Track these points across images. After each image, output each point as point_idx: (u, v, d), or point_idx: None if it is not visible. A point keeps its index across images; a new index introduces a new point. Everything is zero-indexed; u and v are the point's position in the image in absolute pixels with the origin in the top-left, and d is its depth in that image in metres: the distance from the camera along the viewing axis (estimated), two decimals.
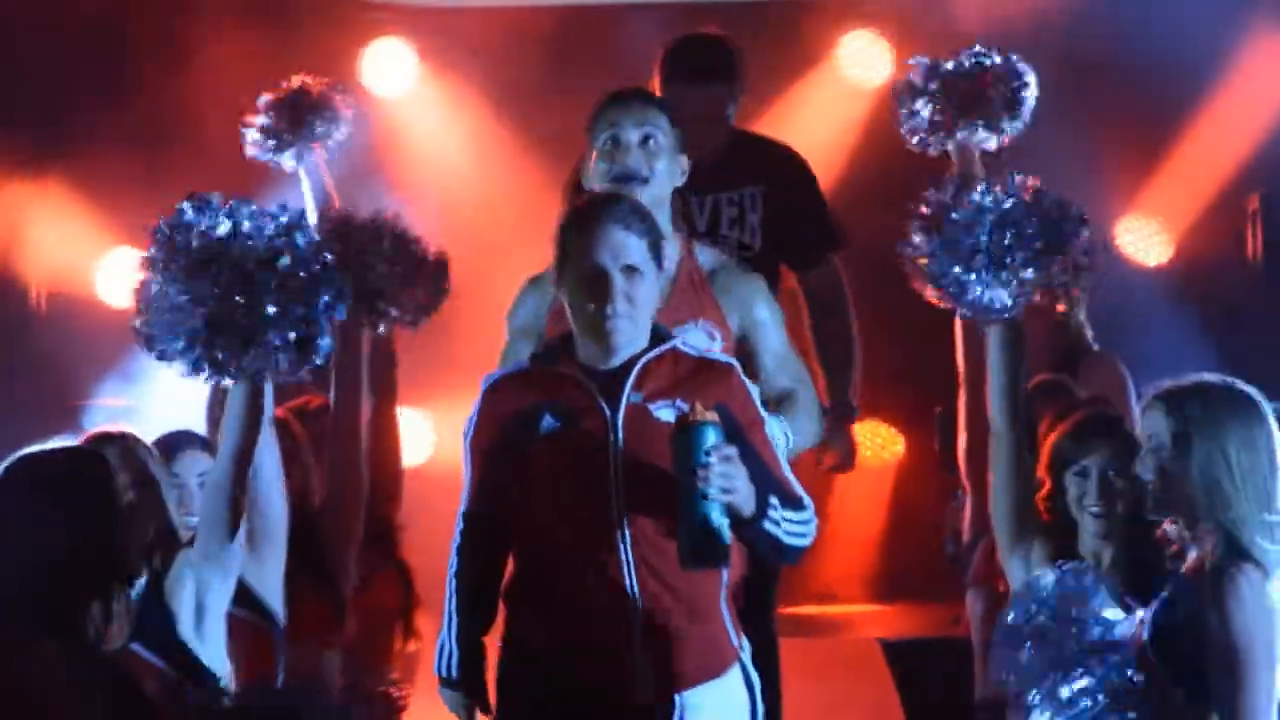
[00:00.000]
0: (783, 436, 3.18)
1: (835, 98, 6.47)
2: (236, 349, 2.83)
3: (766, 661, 3.47)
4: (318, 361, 2.95)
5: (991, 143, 3.84)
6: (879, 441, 5.74)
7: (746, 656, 2.89)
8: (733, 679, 2.83)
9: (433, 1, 6.37)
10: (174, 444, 3.11)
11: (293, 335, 2.82)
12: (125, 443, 2.82)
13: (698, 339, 3.17)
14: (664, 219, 3.22)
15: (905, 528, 5.70)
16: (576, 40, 6.31)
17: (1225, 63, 6.43)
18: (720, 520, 2.60)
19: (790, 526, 2.77)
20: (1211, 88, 6.50)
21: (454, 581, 2.87)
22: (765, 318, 3.38)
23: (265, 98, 4.22)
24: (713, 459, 2.57)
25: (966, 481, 3.84)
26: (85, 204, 6.04)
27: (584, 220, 2.83)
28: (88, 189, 6.02)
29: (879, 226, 3.75)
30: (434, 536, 3.34)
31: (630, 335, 2.75)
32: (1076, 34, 6.37)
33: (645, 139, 3.32)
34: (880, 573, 6.02)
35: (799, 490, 2.81)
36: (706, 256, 3.45)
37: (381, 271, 3.70)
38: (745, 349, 3.30)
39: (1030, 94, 3.91)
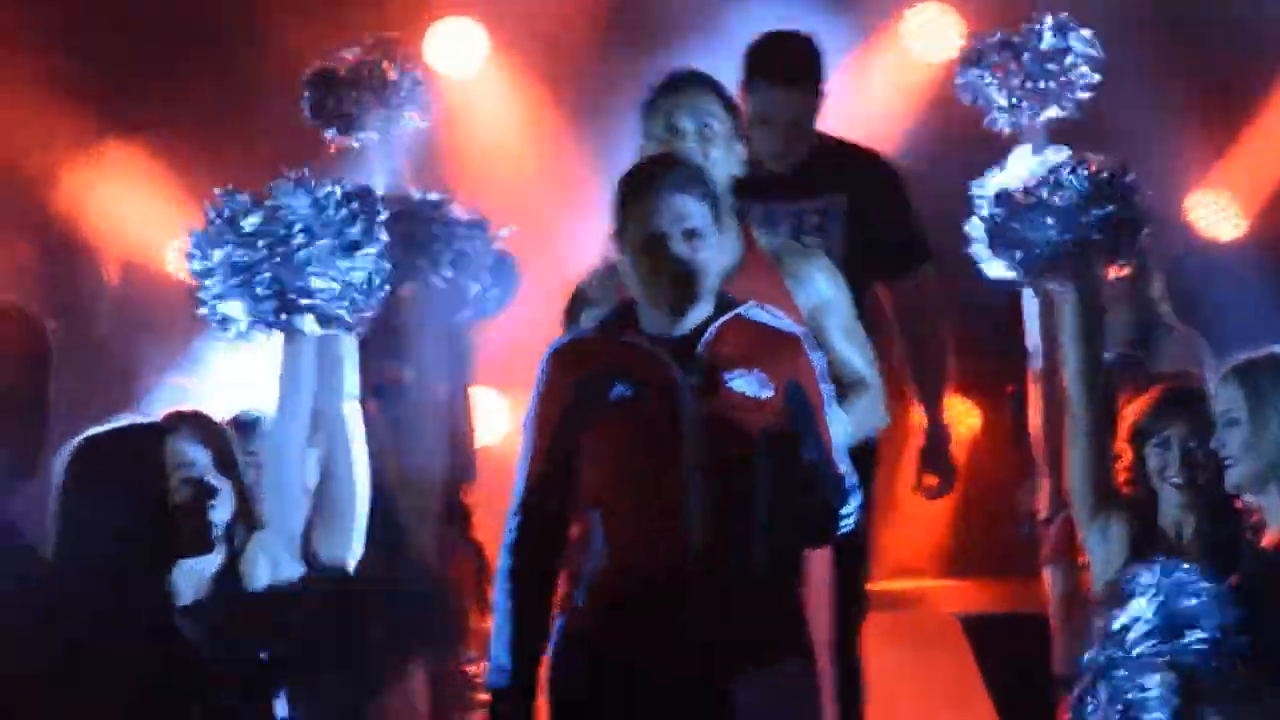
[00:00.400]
0: (844, 431, 3.14)
1: (899, 70, 6.27)
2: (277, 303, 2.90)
3: (849, 686, 3.61)
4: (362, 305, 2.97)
5: (1055, 112, 3.86)
6: (955, 415, 5.65)
7: (813, 639, 2.91)
8: (793, 668, 2.82)
9: None
10: (249, 423, 3.12)
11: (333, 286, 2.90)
12: (200, 421, 2.83)
13: (773, 319, 3.07)
14: (724, 207, 3.21)
15: (981, 502, 5.66)
16: (638, 19, 6.20)
17: None
18: (799, 531, 2.70)
19: (845, 521, 2.81)
20: None
21: (509, 583, 2.84)
22: (830, 295, 3.35)
23: (333, 67, 4.24)
24: (799, 470, 2.61)
25: (1042, 459, 3.87)
26: (161, 180, 6.07)
27: (642, 185, 2.82)
28: (164, 165, 6.04)
29: (945, 200, 3.69)
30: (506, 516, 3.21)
31: (695, 301, 2.73)
32: (1153, 5, 6.22)
33: (702, 127, 3.29)
34: (956, 547, 6.05)
35: (848, 474, 2.81)
36: (767, 240, 3.42)
37: (464, 252, 3.76)
38: (815, 328, 3.23)
39: (1094, 67, 3.91)
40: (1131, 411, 3.18)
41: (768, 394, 2.70)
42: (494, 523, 3.65)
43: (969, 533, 5.98)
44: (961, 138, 4.62)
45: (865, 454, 3.38)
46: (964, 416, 5.59)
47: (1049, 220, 3.13)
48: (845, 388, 3.20)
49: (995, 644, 4.88)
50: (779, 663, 2.77)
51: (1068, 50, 3.93)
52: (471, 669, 3.86)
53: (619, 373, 2.77)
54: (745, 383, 2.72)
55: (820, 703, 2.97)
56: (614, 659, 2.73)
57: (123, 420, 2.80)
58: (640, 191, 2.82)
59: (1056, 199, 3.13)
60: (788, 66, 4.06)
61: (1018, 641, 4.50)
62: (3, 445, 2.81)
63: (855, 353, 3.30)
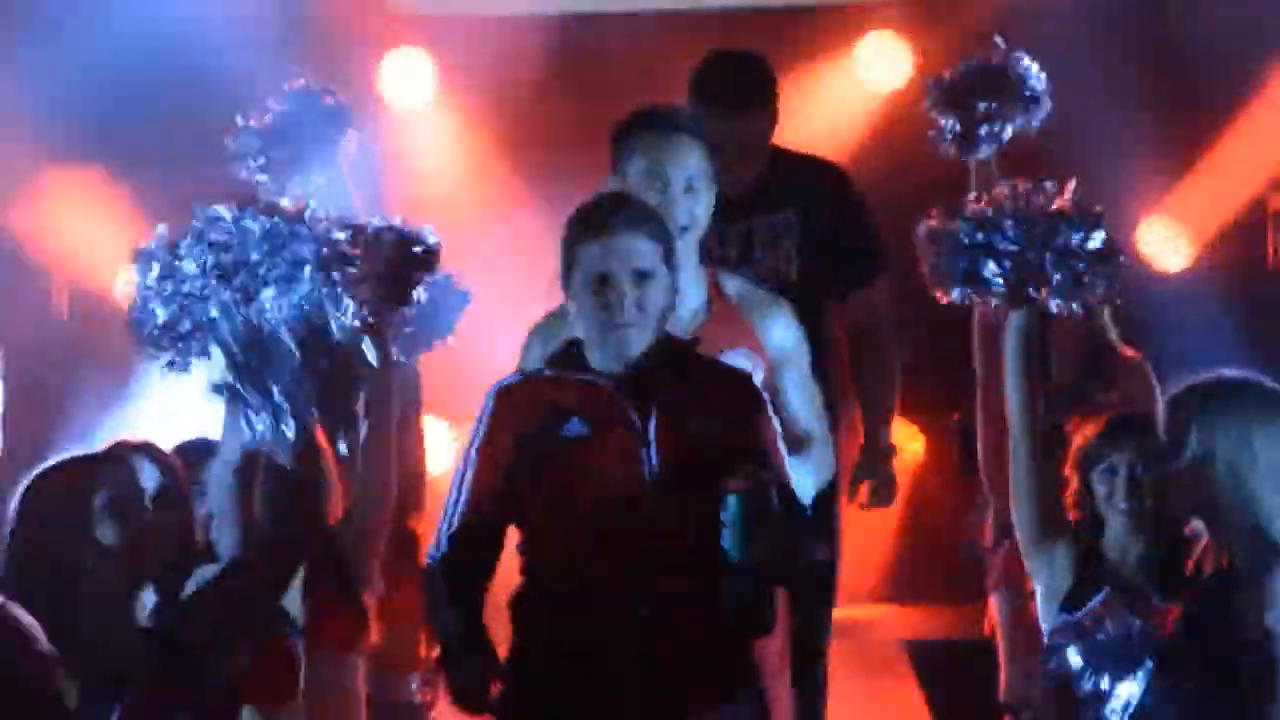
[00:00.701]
0: (804, 482, 3.23)
1: (851, 100, 6.39)
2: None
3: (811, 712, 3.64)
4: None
5: (1008, 133, 3.92)
6: (900, 440, 5.71)
7: (762, 683, 2.93)
8: (745, 712, 2.82)
9: (452, 10, 6.38)
10: (195, 451, 2.99)
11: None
12: (151, 453, 2.74)
13: (741, 361, 3.16)
14: (694, 254, 3.28)
15: (927, 527, 5.74)
16: (594, 51, 6.30)
17: (1257, 70, 6.43)
18: (770, 590, 2.65)
19: (809, 551, 2.84)
20: (1243, 92, 6.49)
21: (449, 611, 2.83)
22: (789, 347, 3.35)
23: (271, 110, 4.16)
24: (773, 533, 2.57)
25: (987, 485, 3.91)
26: (117, 203, 6.04)
27: (590, 224, 2.80)
28: (122, 188, 6.03)
29: (897, 226, 3.63)
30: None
31: (643, 344, 2.72)
32: (1104, 33, 6.30)
33: (691, 181, 3.27)
34: (899, 573, 6.09)
35: (802, 502, 2.86)
36: (732, 285, 3.40)
37: (409, 281, 3.67)
38: (769, 379, 3.27)
39: (1043, 95, 3.97)
40: (1079, 438, 3.20)
41: (722, 433, 2.69)
42: None
43: (914, 558, 6.03)
44: (909, 165, 4.73)
45: (827, 493, 3.43)
46: (908, 442, 5.64)
47: (1028, 235, 3.14)
48: (795, 443, 3.21)
49: (941, 671, 4.94)
50: (732, 700, 2.77)
51: (1023, 80, 3.99)
52: (419, 698, 3.94)
53: (575, 411, 2.75)
54: (700, 422, 2.71)
55: None
56: (563, 691, 2.73)
57: (72, 452, 2.70)
58: (589, 230, 2.80)
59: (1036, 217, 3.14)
60: (739, 90, 4.02)
61: (963, 668, 4.56)
62: None
63: (806, 407, 3.32)
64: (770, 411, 2.85)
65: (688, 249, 3.18)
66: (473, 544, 2.79)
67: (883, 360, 4.25)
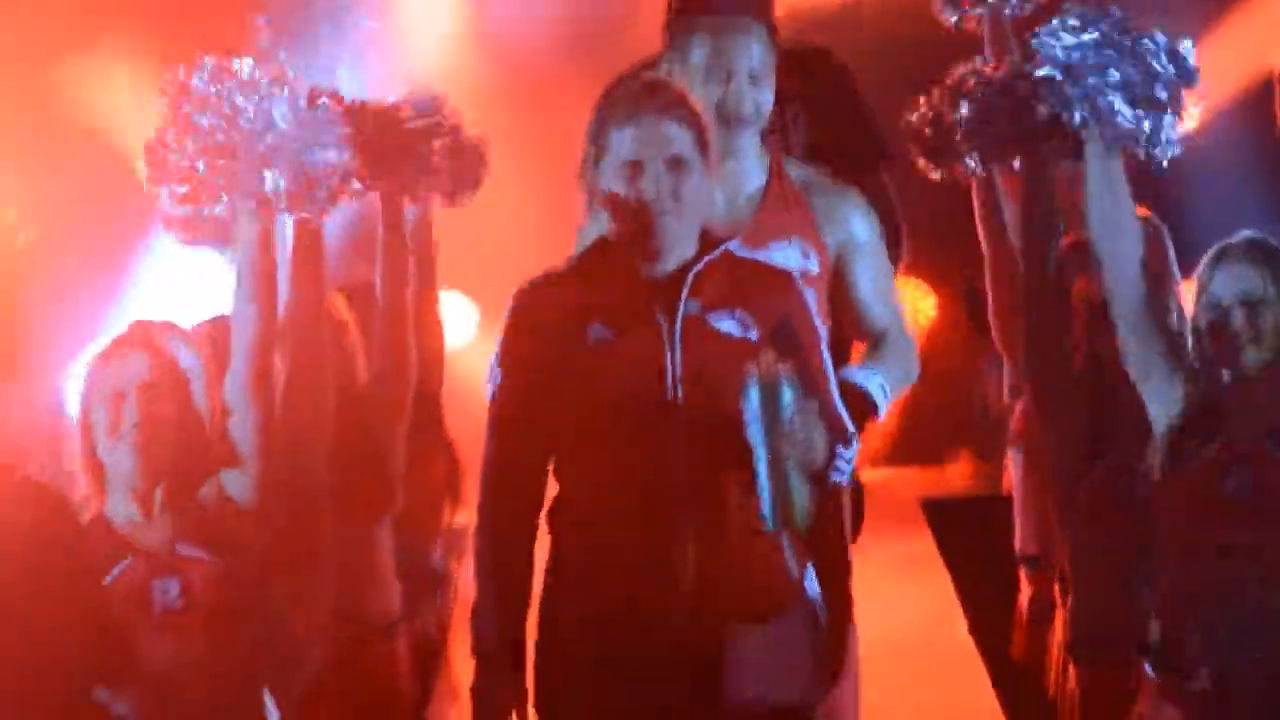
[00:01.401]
0: (881, 396, 3.11)
1: None
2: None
3: (839, 589, 3.33)
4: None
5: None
6: (908, 299, 5.69)
7: (813, 589, 2.79)
8: (792, 619, 2.72)
9: None
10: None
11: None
12: (175, 331, 2.84)
13: (791, 258, 3.04)
14: (756, 144, 3.23)
15: (937, 386, 5.68)
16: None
17: None
18: (801, 484, 2.55)
19: (844, 465, 2.72)
20: None
21: (486, 554, 2.76)
22: (863, 237, 3.26)
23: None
24: (796, 424, 2.49)
25: (999, 342, 3.92)
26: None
27: (622, 109, 2.69)
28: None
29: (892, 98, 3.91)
30: (476, 415, 3.09)
31: (677, 237, 2.62)
32: None
33: (753, 75, 3.16)
34: (913, 434, 6.13)
35: (847, 420, 2.74)
36: (798, 171, 3.30)
37: (422, 151, 3.67)
38: (840, 269, 3.22)
39: None
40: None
41: (756, 335, 2.61)
42: (462, 422, 3.87)
43: (926, 419, 6.03)
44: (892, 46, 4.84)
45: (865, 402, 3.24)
46: (920, 300, 5.72)
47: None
48: (871, 337, 3.22)
49: (956, 527, 4.99)
50: (778, 612, 2.70)
51: None
52: (444, 565, 4.03)
53: (596, 314, 2.65)
54: (732, 324, 2.63)
55: (819, 648, 2.84)
56: (598, 620, 2.67)
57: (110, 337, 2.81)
58: (620, 115, 2.69)
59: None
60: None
61: (978, 524, 4.61)
62: None
63: (882, 300, 3.27)
64: (814, 313, 2.76)
65: (750, 141, 3.16)
66: (512, 472, 2.74)
67: (896, 242, 4.26)
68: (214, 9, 5.33)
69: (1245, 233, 3.25)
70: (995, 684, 4.47)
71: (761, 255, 2.87)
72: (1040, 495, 3.77)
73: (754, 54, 3.13)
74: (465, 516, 3.90)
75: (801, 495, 2.51)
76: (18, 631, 2.72)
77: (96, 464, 2.81)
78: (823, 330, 2.75)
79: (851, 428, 2.72)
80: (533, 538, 2.67)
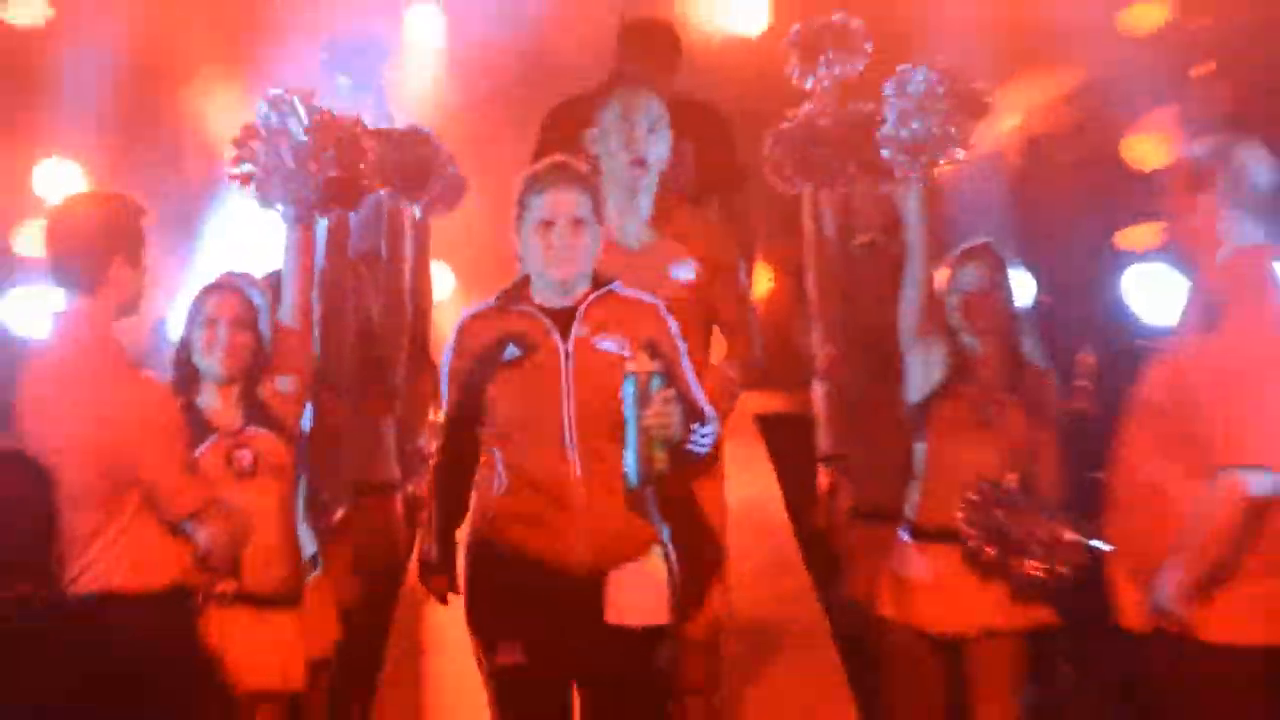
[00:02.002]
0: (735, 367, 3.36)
1: (724, 49, 6.05)
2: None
3: (695, 535, 3.33)
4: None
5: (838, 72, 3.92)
6: (759, 276, 5.52)
7: (666, 538, 2.86)
8: (653, 559, 2.80)
9: None
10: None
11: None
12: (250, 278, 3.01)
13: (684, 271, 3.28)
14: (655, 184, 3.31)
15: (772, 338, 4.27)
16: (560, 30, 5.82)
17: None
18: (661, 451, 2.63)
19: (701, 440, 2.78)
20: None
21: (436, 490, 2.90)
22: (730, 260, 3.43)
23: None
24: (657, 405, 2.58)
25: (814, 309, 3.95)
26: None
27: (539, 182, 2.75)
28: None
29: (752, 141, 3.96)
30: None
31: (574, 280, 2.70)
32: None
33: (652, 127, 3.30)
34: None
35: (706, 406, 2.81)
36: (681, 211, 3.51)
37: (424, 172, 3.78)
38: (720, 283, 3.35)
39: (867, 46, 3.90)
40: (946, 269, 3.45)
41: (629, 352, 2.69)
42: (439, 347, 3.63)
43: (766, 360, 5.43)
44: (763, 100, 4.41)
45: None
46: (763, 278, 5.65)
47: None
48: (726, 329, 3.37)
49: (783, 438, 5.05)
50: (643, 553, 2.76)
51: (856, 34, 3.91)
52: (427, 450, 4.01)
53: (512, 337, 2.74)
54: (610, 344, 2.71)
55: (674, 581, 2.88)
56: (516, 557, 2.74)
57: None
58: (537, 186, 2.76)
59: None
60: (652, 53, 4.18)
61: (792, 432, 4.72)
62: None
63: (735, 303, 3.39)
64: (674, 334, 2.82)
65: (653, 179, 3.27)
66: (456, 429, 2.83)
67: (749, 233, 4.39)
68: (286, 47, 5.14)
69: (981, 239, 3.48)
70: (801, 544, 4.67)
71: (671, 271, 3.15)
72: (836, 413, 3.95)
73: (652, 110, 3.25)
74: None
75: (661, 460, 2.58)
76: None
77: (192, 370, 2.95)
78: (682, 345, 2.80)
79: (711, 411, 2.77)
80: (467, 490, 2.79)
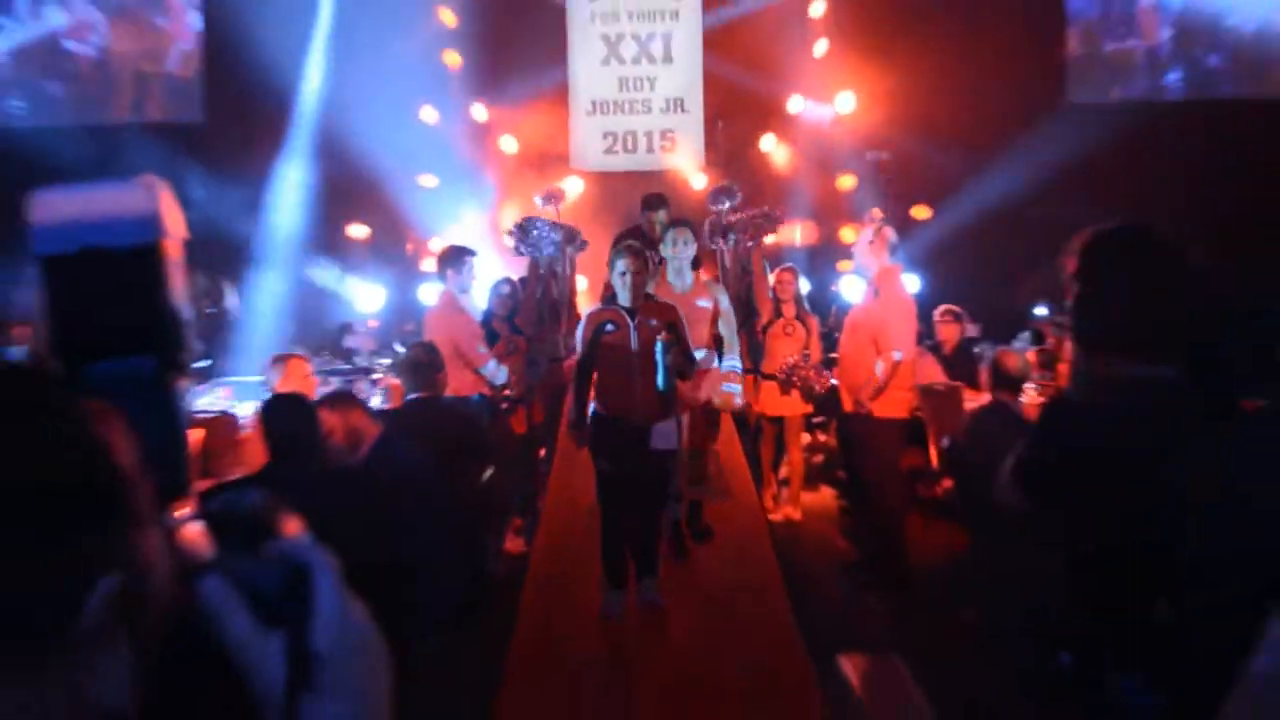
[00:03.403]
0: (736, 368, 4.00)
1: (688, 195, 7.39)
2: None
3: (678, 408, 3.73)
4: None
5: (726, 205, 5.13)
6: (715, 291, 4.65)
7: (676, 410, 3.44)
8: (673, 421, 3.46)
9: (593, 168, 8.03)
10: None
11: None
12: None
13: (706, 304, 3.92)
14: (689, 264, 3.98)
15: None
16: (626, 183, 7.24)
17: None
18: (672, 376, 3.19)
19: (689, 371, 3.43)
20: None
21: (574, 385, 3.45)
22: (725, 304, 4.04)
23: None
24: (672, 354, 3.14)
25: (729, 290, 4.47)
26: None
27: (618, 248, 3.34)
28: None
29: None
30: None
31: (636, 299, 3.26)
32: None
33: (686, 242, 3.96)
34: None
35: (694, 353, 3.39)
36: (705, 277, 4.16)
37: (572, 241, 5.17)
38: (719, 308, 4.02)
39: (736, 192, 5.07)
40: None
41: (661, 330, 3.24)
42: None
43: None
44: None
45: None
46: (721, 294, 4.45)
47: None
48: (723, 343, 3.99)
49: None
50: (666, 417, 3.39)
51: (731, 192, 5.05)
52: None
53: (609, 320, 3.27)
54: (652, 323, 3.25)
55: (679, 429, 3.57)
56: (610, 420, 3.37)
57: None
58: (617, 250, 3.36)
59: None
60: (655, 204, 4.86)
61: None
62: None
63: (728, 329, 4.03)
64: (684, 322, 3.31)
65: (687, 261, 3.99)
66: (583, 364, 3.41)
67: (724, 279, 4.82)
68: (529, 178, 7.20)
69: (787, 264, 4.73)
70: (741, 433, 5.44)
71: (697, 303, 3.78)
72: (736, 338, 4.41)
73: (687, 233, 4.05)
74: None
75: (672, 380, 3.25)
76: None
77: (488, 317, 4.31)
78: (687, 331, 3.33)
79: (695, 359, 3.39)
80: (589, 390, 3.44)
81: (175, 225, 1.05)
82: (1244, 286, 1.63)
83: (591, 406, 3.50)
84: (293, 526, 0.89)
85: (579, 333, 3.52)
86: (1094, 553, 1.44)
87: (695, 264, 4.15)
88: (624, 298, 3.41)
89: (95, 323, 1.01)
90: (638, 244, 3.55)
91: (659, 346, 3.22)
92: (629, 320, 3.39)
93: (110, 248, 1.01)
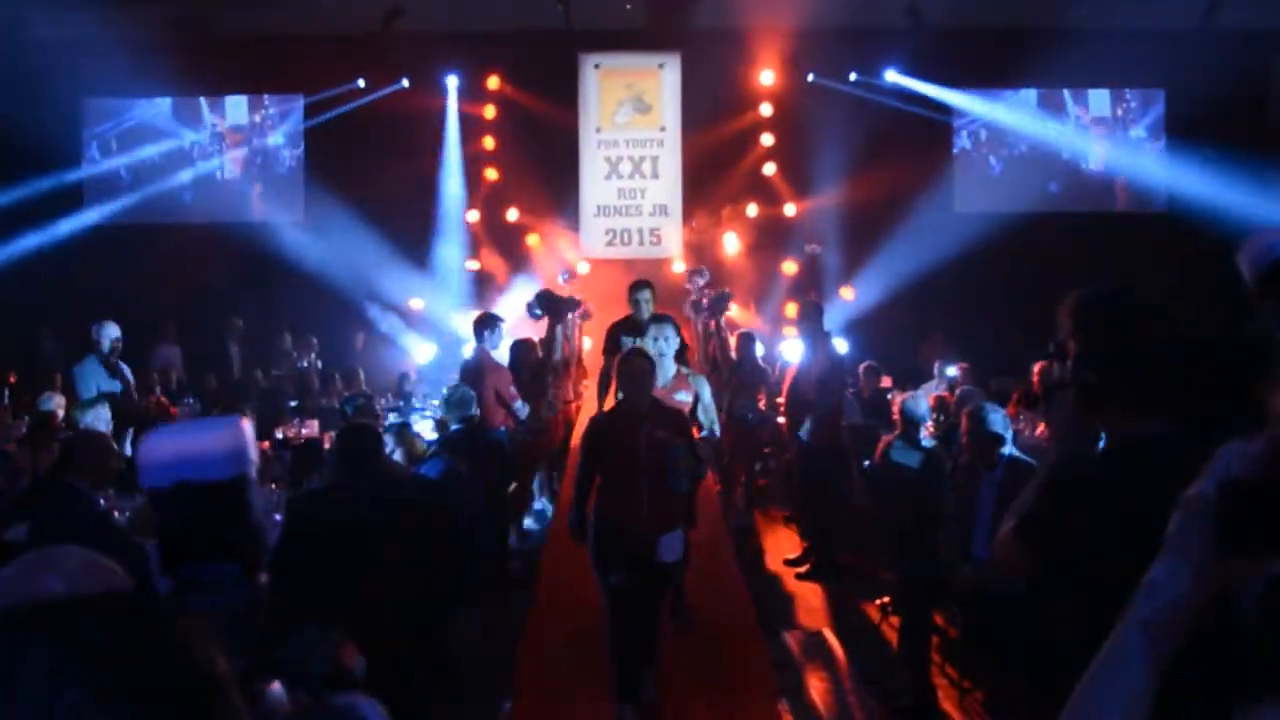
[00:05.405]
0: (708, 421, 3.43)
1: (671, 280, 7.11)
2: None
3: (690, 515, 3.18)
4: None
5: (701, 281, 5.25)
6: (677, 336, 4.00)
7: (685, 519, 2.89)
8: (679, 532, 2.83)
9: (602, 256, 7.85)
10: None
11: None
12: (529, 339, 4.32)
13: (686, 397, 3.32)
14: (672, 357, 3.45)
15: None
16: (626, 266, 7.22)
17: None
18: (684, 481, 2.70)
19: (701, 474, 2.91)
20: None
21: (574, 493, 2.84)
22: (705, 394, 3.44)
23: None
24: (683, 461, 2.64)
25: (702, 355, 4.70)
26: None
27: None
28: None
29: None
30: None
31: (645, 400, 2.72)
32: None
33: (669, 336, 3.39)
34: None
35: (701, 454, 2.79)
36: (685, 369, 3.59)
37: (577, 308, 5.12)
38: (699, 400, 3.43)
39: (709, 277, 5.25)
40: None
41: (670, 435, 2.72)
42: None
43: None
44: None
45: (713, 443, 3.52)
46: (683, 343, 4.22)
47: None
48: (704, 428, 3.39)
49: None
50: (674, 528, 2.80)
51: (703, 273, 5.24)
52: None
53: (615, 418, 2.77)
54: (663, 432, 2.71)
55: (689, 540, 2.94)
56: (614, 533, 2.75)
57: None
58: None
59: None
60: (646, 291, 4.34)
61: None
62: None
63: (707, 415, 3.41)
64: (688, 422, 2.86)
65: (668, 357, 3.43)
66: (582, 479, 2.82)
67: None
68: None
69: (746, 328, 4.69)
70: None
71: (676, 396, 3.21)
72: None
73: (671, 327, 3.51)
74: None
75: (684, 484, 2.73)
76: None
77: (517, 366, 4.23)
78: (691, 431, 2.82)
79: (704, 460, 2.90)
80: (588, 497, 2.82)
81: (255, 455, 1.09)
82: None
83: (592, 519, 2.87)
84: (351, 658, 0.95)
85: (600, 382, 3.54)
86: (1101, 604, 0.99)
87: (679, 353, 3.65)
88: (630, 402, 2.84)
89: (192, 536, 1.06)
90: (644, 351, 3.03)
91: (671, 450, 2.68)
92: (640, 423, 2.79)
93: (201, 482, 1.06)
